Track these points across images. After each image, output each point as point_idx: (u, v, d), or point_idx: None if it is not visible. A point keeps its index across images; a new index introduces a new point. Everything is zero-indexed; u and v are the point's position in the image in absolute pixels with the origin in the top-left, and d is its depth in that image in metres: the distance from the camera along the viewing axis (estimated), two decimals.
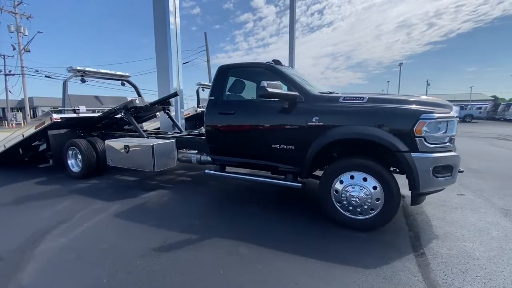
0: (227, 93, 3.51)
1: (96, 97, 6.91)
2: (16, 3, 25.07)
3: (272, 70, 3.21)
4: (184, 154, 4.44)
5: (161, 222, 2.88)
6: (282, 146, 2.98)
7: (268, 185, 4.05)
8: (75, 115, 5.03)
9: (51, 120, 4.66)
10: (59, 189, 4.16)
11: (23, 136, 5.20)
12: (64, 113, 4.96)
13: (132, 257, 2.18)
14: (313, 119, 2.76)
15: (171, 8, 7.51)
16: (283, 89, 2.88)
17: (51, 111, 4.93)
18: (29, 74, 27.52)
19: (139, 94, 6.61)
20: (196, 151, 4.43)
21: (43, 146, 5.54)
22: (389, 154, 2.56)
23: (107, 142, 4.28)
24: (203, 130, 6.00)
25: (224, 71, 3.52)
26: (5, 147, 5.60)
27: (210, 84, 9.88)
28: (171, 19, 7.57)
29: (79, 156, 4.88)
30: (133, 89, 6.56)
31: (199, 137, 4.38)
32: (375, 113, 2.51)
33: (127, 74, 6.27)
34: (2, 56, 30.62)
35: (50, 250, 2.32)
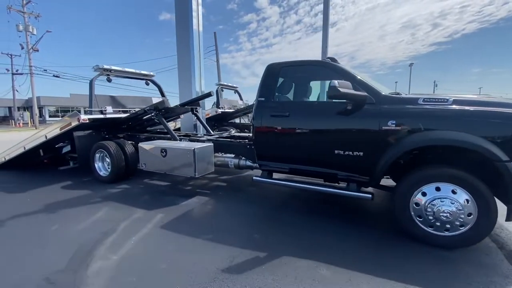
0: (277, 93, 3.23)
1: (112, 97, 6.67)
2: (24, 2, 24.99)
3: (331, 68, 2.92)
4: (220, 158, 4.17)
5: (216, 235, 2.60)
6: (347, 152, 2.69)
7: (312, 193, 3.77)
8: (102, 116, 4.79)
9: (79, 121, 4.41)
10: (90, 195, 3.91)
11: (46, 138, 4.96)
12: (92, 114, 4.71)
13: (202, 281, 1.91)
14: (389, 123, 2.47)
15: (194, 7, 7.28)
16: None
17: (79, 111, 4.67)
18: (37, 74, 27.45)
19: (162, 94, 6.36)
20: (234, 155, 4.17)
21: (67, 148, 5.29)
22: (477, 163, 2.28)
23: (141, 144, 4.02)
24: (232, 132, 5.77)
25: (274, 70, 3.24)
26: (24, 148, 5.38)
27: (229, 84, 9.79)
28: (194, 20, 7.32)
29: (107, 159, 4.63)
30: (153, 89, 6.31)
31: (237, 141, 4.12)
32: (470, 117, 2.22)
33: (152, 73, 6.02)
34: (10, 55, 30.65)
35: (105, 271, 2.05)
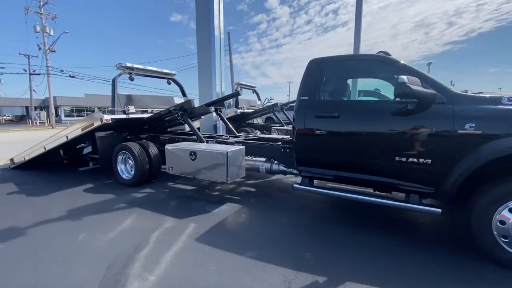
0: (322, 92, 2.91)
1: (129, 96, 6.50)
2: (41, 3, 25.50)
3: (391, 64, 2.58)
4: (250, 162, 3.88)
5: (260, 252, 2.30)
6: (411, 159, 2.34)
7: (352, 202, 3.42)
8: (125, 116, 4.58)
9: (101, 122, 4.21)
10: (114, 200, 3.68)
11: (67, 138, 4.79)
12: (115, 114, 4.51)
13: None
14: (466, 126, 2.11)
15: (215, 5, 7.04)
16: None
17: (102, 111, 4.47)
18: (54, 74, 27.96)
19: (184, 94, 6.12)
20: (264, 158, 3.88)
21: (88, 149, 5.12)
22: None
23: (168, 147, 3.77)
24: (257, 133, 5.46)
25: (319, 66, 2.92)
26: (45, 148, 5.24)
27: (248, 84, 9.50)
28: (216, 21, 7.08)
29: (130, 162, 4.41)
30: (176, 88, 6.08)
31: (269, 143, 3.82)
32: None
33: (173, 72, 5.79)
34: (27, 56, 31.39)
35: None
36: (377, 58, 2.65)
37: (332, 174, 2.86)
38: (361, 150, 2.60)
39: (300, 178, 3.11)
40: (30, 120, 31.41)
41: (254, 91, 10.08)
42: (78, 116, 42.14)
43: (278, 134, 6.22)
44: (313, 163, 2.94)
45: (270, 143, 3.79)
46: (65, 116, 39.97)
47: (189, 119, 4.38)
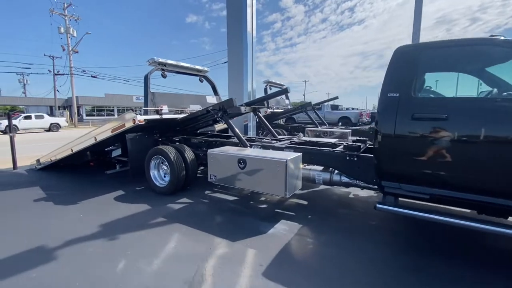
0: (419, 87, 2.29)
1: (162, 95, 6.12)
2: (65, 5, 26.09)
3: None
4: (304, 171, 3.31)
5: None
6: None
7: (439, 226, 2.77)
8: (158, 116, 4.14)
9: (134, 123, 3.77)
10: (151, 213, 3.22)
11: (95, 140, 4.42)
12: (148, 114, 4.08)
13: None
14: None
15: (248, 2, 6.52)
16: None
17: (135, 112, 4.05)
18: (77, 74, 28.58)
19: (216, 92, 5.64)
20: (321, 167, 3.30)
21: (117, 152, 4.74)
22: None
23: (211, 152, 3.26)
24: (301, 136, 4.88)
25: (411, 54, 2.30)
26: (72, 150, 4.92)
27: (277, 82, 8.93)
28: (248, 18, 6.56)
29: (164, 167, 3.97)
30: (210, 86, 5.60)
31: (328, 149, 3.23)
32: None
33: (206, 69, 5.32)
34: (51, 57, 32.33)
35: None
36: (493, 42, 2.00)
37: (429, 192, 2.24)
38: (479, 163, 1.97)
39: (370, 192, 2.51)
40: None
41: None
42: (98, 115, 43.26)
43: (321, 136, 5.61)
44: (405, 178, 2.32)
45: (330, 149, 3.21)
46: (86, 115, 41.05)
47: (230, 121, 3.87)
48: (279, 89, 9.24)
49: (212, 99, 5.45)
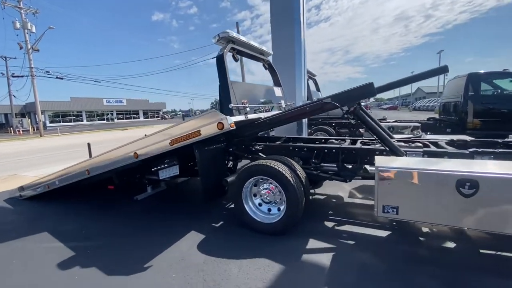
0: None
1: (240, 85, 4.65)
2: None
3: None
4: None
5: None
6: None
7: None
8: (242, 117, 2.78)
9: (221, 129, 2.41)
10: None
11: (136, 157, 2.96)
12: (233, 114, 2.69)
13: None
14: None
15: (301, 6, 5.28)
16: None
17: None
18: (39, 76, 24.78)
19: (279, 83, 4.31)
20: None
21: (170, 172, 3.26)
22: None
23: (384, 167, 1.99)
24: (422, 136, 3.72)
25: None
26: (88, 173, 3.45)
27: (309, 70, 7.69)
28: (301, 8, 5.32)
29: (263, 192, 2.63)
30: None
31: None
32: None
33: (270, 51, 3.98)
34: (4, 58, 28.01)
35: None
36: None
37: None
38: None
39: None
40: (11, 128, 28.13)
41: (314, 81, 8.39)
42: (63, 121, 38.82)
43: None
44: None
45: None
46: (50, 122, 36.59)
47: (367, 117, 2.63)
48: (312, 77, 8.10)
49: (278, 91, 4.14)
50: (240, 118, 2.72)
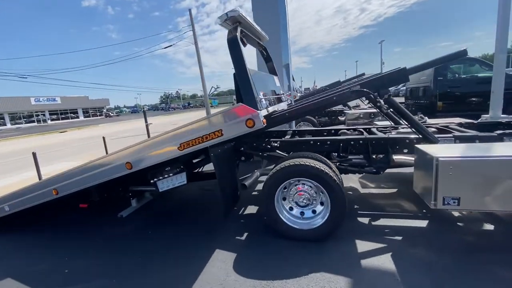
0: None
1: (257, 75, 4.13)
2: None
3: None
4: None
5: None
6: None
7: None
8: (265, 111, 2.40)
9: (252, 126, 2.03)
10: None
11: (131, 168, 2.41)
12: (259, 108, 2.28)
13: None
14: None
15: None
16: None
17: (242, 103, 2.16)
18: None
19: (275, 72, 3.97)
20: None
21: (173, 182, 2.69)
22: None
23: (446, 160, 1.85)
24: (426, 121, 3.77)
25: None
26: (56, 193, 2.77)
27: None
28: None
29: (294, 194, 2.33)
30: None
31: None
32: None
33: (267, 36, 3.60)
34: None
35: None
36: None
37: None
38: None
39: None
40: None
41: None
42: None
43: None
44: None
45: None
46: None
47: (398, 104, 2.49)
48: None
49: (277, 80, 3.81)
50: (265, 112, 2.33)
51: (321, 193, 2.27)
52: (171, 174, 2.62)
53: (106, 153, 6.43)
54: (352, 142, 2.67)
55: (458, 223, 2.39)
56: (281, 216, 2.31)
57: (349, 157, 2.66)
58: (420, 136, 2.42)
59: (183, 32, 20.48)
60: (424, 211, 2.64)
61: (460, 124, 3.01)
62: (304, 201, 2.30)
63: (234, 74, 2.46)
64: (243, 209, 3.07)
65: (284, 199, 2.38)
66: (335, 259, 2.03)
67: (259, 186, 3.56)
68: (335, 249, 2.15)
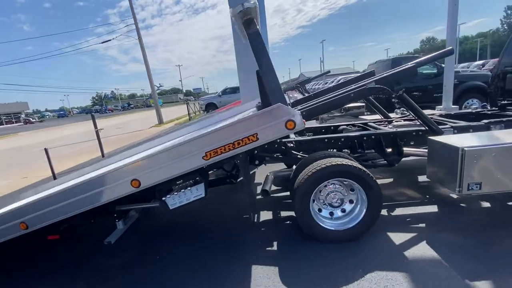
0: None
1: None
2: None
3: None
4: None
5: None
6: None
7: None
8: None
9: (292, 128, 1.90)
10: None
11: (139, 186, 2.07)
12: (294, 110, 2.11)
13: None
14: None
15: None
16: None
17: (281, 104, 1.94)
18: None
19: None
20: None
21: (189, 196, 2.32)
22: None
23: (472, 149, 2.01)
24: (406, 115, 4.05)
25: None
26: (26, 227, 2.23)
27: None
28: None
29: (327, 198, 2.27)
30: None
31: None
32: None
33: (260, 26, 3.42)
34: None
35: None
36: None
37: None
38: None
39: None
40: None
41: None
42: None
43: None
44: None
45: None
46: None
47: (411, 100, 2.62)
48: None
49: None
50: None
51: (350, 192, 2.26)
52: (187, 188, 2.27)
53: (51, 167, 5.36)
54: (365, 138, 2.73)
55: (461, 204, 2.67)
56: (315, 219, 2.22)
57: (366, 152, 2.72)
58: (427, 128, 2.61)
59: (125, 25, 18.40)
60: (427, 196, 2.88)
61: (442, 115, 3.37)
62: (338, 201, 2.25)
63: (257, 71, 2.25)
64: (256, 215, 2.88)
65: (313, 201, 2.30)
66: (379, 255, 2.04)
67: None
68: (373, 245, 2.17)
